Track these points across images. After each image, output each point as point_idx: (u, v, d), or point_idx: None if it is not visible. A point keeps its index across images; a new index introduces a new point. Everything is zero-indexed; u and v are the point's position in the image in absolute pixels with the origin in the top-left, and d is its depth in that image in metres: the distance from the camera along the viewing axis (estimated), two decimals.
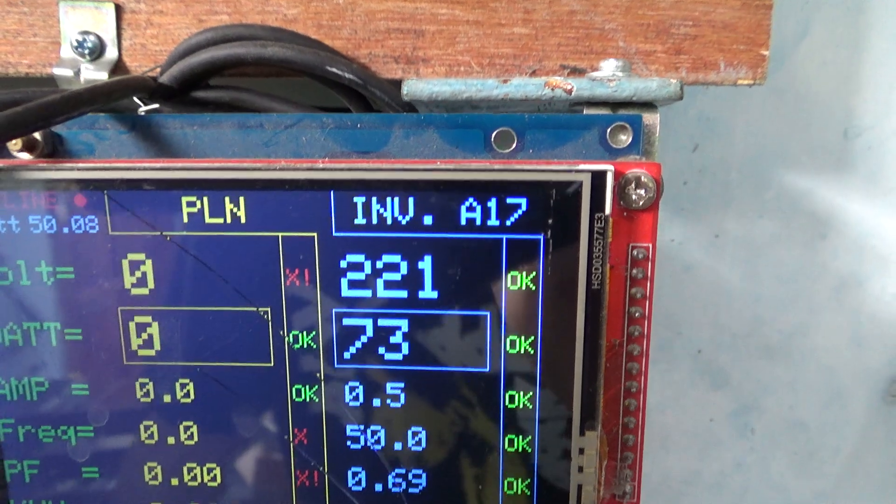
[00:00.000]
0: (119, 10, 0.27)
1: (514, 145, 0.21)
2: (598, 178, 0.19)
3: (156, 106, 0.26)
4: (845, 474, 0.38)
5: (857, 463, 0.38)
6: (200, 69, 0.25)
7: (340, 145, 0.22)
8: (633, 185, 0.19)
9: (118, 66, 0.27)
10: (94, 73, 0.27)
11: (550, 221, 0.19)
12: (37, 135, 0.22)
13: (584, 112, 0.22)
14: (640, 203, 0.19)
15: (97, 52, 0.27)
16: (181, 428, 0.21)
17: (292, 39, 0.26)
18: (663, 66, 0.27)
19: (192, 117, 0.22)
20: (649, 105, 0.21)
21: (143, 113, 0.25)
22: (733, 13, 0.26)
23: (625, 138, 0.21)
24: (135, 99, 0.24)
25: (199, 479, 0.22)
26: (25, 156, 0.22)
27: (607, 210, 0.19)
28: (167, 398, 0.21)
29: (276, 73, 0.27)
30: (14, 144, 0.22)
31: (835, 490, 0.39)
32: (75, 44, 0.27)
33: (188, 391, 0.21)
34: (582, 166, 0.19)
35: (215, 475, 0.22)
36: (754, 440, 0.38)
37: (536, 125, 0.21)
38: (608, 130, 0.21)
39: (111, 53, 0.27)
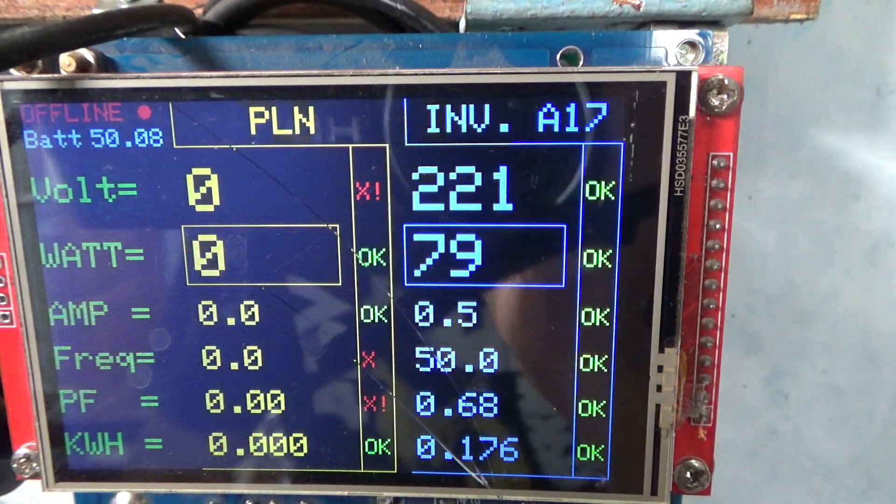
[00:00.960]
0: None
1: (580, 65, 0.21)
2: (683, 79, 0.18)
3: None
4: (880, 439, 0.38)
5: (892, 428, 0.38)
6: (248, 5, 0.24)
7: (402, 67, 0.21)
8: (715, 90, 0.19)
9: None
10: None
11: (633, 125, 0.19)
12: (90, 58, 0.21)
13: (652, 30, 0.21)
14: (724, 107, 0.19)
15: None
16: (245, 352, 0.21)
17: None
18: None
19: (248, 39, 0.22)
20: (717, 24, 0.21)
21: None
22: None
23: (692, 57, 0.21)
24: (179, 34, 0.24)
25: (262, 406, 0.21)
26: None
27: (691, 113, 0.18)
28: (231, 321, 0.21)
29: (321, 14, 0.27)
30: (68, 65, 0.21)
31: (870, 455, 0.38)
32: None
33: (253, 313, 0.21)
34: (667, 68, 0.18)
35: (279, 402, 0.21)
36: (788, 406, 0.38)
37: (603, 43, 0.21)
38: (676, 48, 0.21)
39: None
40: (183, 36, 0.24)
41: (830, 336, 0.37)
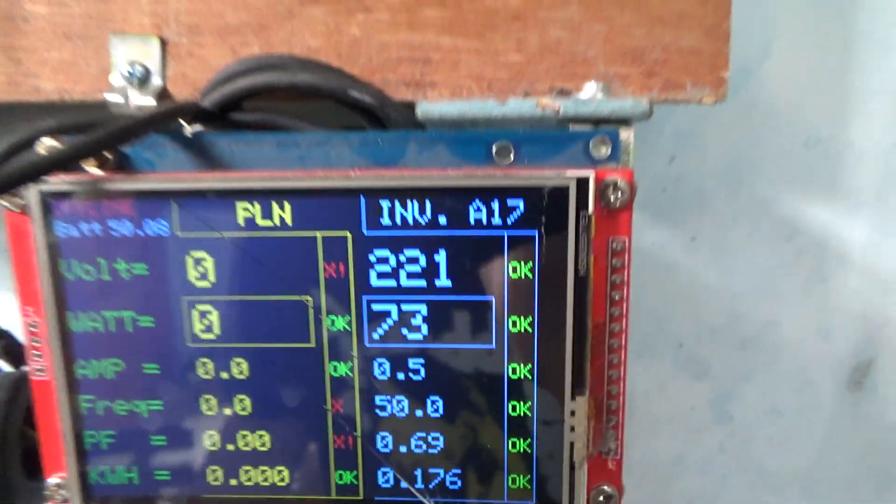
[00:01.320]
0: (163, 42, 0.31)
1: (511, 157, 0.25)
2: (582, 182, 0.23)
3: (200, 127, 0.30)
4: (818, 455, 0.41)
5: (827, 444, 0.41)
6: (238, 95, 0.28)
7: (364, 159, 0.25)
8: (611, 188, 0.23)
9: (163, 93, 0.31)
10: (141, 99, 0.31)
11: (543, 219, 0.23)
12: (108, 155, 0.26)
13: (571, 128, 0.25)
14: (618, 203, 0.23)
15: (144, 80, 0.31)
16: (236, 400, 0.25)
17: (317, 67, 0.30)
18: (638, 87, 0.30)
19: (237, 136, 0.26)
20: (625, 121, 0.25)
21: (188, 134, 0.29)
22: (697, 41, 0.30)
23: (605, 150, 0.25)
24: (180, 120, 0.28)
25: (251, 445, 0.25)
26: (97, 171, 0.25)
27: (590, 209, 0.23)
28: (224, 375, 0.25)
29: (302, 97, 0.31)
30: (88, 162, 0.25)
31: (809, 469, 0.42)
32: (125, 73, 0.31)
33: (242, 369, 0.25)
34: (569, 173, 0.23)
35: (265, 441, 0.25)
36: (733, 426, 0.41)
37: (530, 140, 0.25)
38: (591, 143, 0.24)
39: (156, 81, 0.31)
40: (186, 125, 0.28)
41: (769, 362, 0.40)
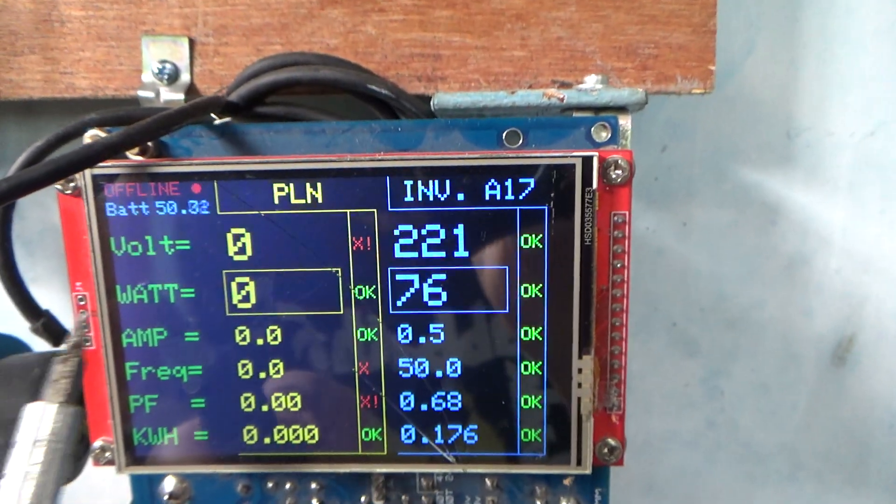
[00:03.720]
0: (192, 42, 0.33)
1: (520, 142, 0.27)
2: (587, 161, 0.25)
3: (228, 119, 0.32)
4: (802, 427, 0.43)
5: (811, 417, 0.43)
6: (264, 89, 0.31)
7: (385, 144, 0.27)
8: (612, 166, 0.26)
9: (191, 89, 0.33)
10: (171, 95, 0.33)
11: (552, 195, 0.25)
12: (149, 143, 0.28)
13: (574, 115, 0.28)
14: (619, 180, 0.25)
15: (173, 77, 0.33)
16: (270, 365, 0.27)
17: (337, 63, 0.32)
18: (633, 80, 0.33)
19: (268, 126, 0.28)
20: (622, 109, 0.28)
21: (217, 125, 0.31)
22: (686, 37, 0.33)
23: (605, 134, 0.27)
24: (213, 116, 0.30)
25: (283, 406, 0.27)
26: (139, 158, 0.27)
27: (594, 185, 0.25)
28: (260, 341, 0.27)
29: (322, 91, 0.33)
30: (133, 151, 0.28)
31: (794, 441, 0.43)
32: (155, 70, 0.33)
33: (276, 335, 0.27)
34: (575, 153, 0.25)
35: (297, 402, 0.27)
36: (723, 401, 0.43)
37: (537, 126, 0.27)
38: (592, 129, 0.27)
39: (185, 78, 0.33)
40: (216, 118, 0.30)
41: (757, 340, 0.42)
